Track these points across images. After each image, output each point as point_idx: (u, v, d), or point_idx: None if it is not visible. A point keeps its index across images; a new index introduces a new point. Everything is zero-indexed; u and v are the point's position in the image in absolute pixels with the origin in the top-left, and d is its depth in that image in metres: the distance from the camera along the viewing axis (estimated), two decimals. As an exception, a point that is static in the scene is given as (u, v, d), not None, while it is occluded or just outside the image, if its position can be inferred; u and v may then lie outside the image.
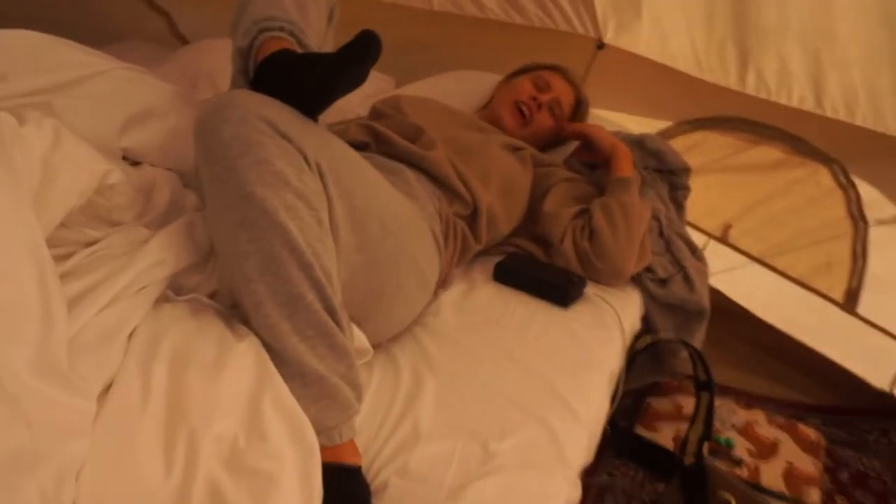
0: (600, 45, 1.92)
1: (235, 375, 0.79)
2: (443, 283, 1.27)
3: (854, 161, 1.67)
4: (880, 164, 1.62)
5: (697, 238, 1.81)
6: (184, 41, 2.41)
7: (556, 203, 1.46)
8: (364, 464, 0.88)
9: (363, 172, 1.01)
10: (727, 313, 1.79)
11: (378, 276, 1.01)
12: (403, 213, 1.09)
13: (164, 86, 1.19)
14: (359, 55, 0.89)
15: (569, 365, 1.13)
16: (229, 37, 1.08)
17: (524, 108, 1.58)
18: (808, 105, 1.64)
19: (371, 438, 0.92)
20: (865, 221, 1.67)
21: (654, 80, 1.87)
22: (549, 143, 1.67)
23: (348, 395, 0.86)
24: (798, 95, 1.65)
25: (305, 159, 0.86)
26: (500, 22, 2.02)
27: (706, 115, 1.84)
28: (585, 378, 1.12)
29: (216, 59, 1.81)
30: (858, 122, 1.58)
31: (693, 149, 1.85)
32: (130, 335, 0.81)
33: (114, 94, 1.10)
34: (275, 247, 0.82)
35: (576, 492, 0.94)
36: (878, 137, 1.58)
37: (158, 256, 0.89)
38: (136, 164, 1.13)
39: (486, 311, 1.23)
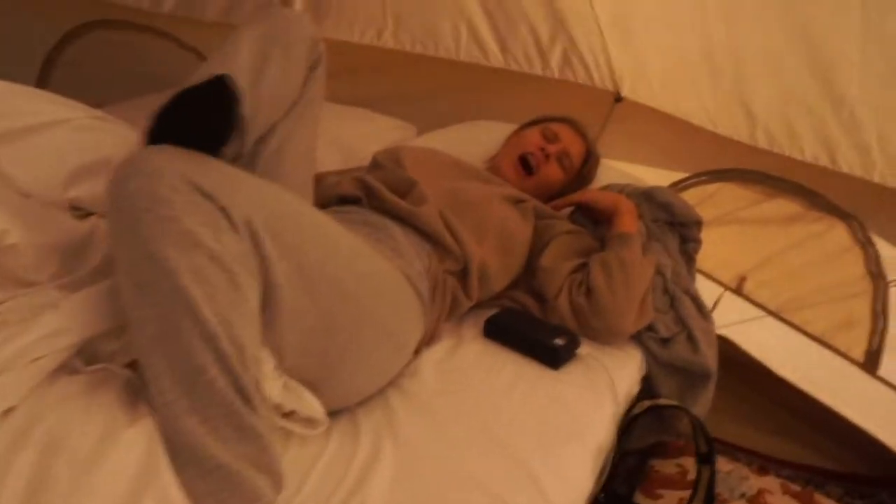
0: (618, 99, 1.89)
1: (115, 467, 0.69)
2: (429, 340, 1.19)
3: (872, 217, 1.58)
4: None
5: (712, 289, 1.74)
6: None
7: (554, 257, 1.38)
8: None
9: (318, 229, 0.93)
10: (743, 366, 1.69)
11: (336, 341, 0.92)
12: (373, 274, 1.01)
13: (130, 135, 1.12)
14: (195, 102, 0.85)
15: (549, 436, 1.03)
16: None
17: (531, 159, 1.53)
18: (823, 161, 1.57)
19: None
20: (885, 280, 1.57)
21: (670, 133, 1.83)
22: (558, 194, 1.60)
23: (257, 484, 0.76)
24: (811, 153, 1.59)
25: (228, 217, 0.77)
26: (522, 73, 2.01)
27: (722, 168, 1.79)
28: (565, 452, 1.02)
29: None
30: (876, 179, 1.51)
31: (708, 200, 1.79)
32: (6, 414, 0.72)
33: (68, 144, 1.04)
34: (175, 314, 0.73)
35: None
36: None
37: (61, 324, 0.80)
38: (89, 214, 1.06)
39: (470, 371, 1.15)
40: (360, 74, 2.24)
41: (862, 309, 1.60)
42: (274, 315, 0.83)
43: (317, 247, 0.89)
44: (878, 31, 1.33)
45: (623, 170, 1.82)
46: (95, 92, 2.05)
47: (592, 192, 1.57)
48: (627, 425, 1.23)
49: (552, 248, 1.40)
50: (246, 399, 0.76)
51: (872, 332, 1.59)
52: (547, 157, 1.55)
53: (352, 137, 1.96)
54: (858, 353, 1.60)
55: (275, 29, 1.02)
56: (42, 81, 2.45)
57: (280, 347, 0.86)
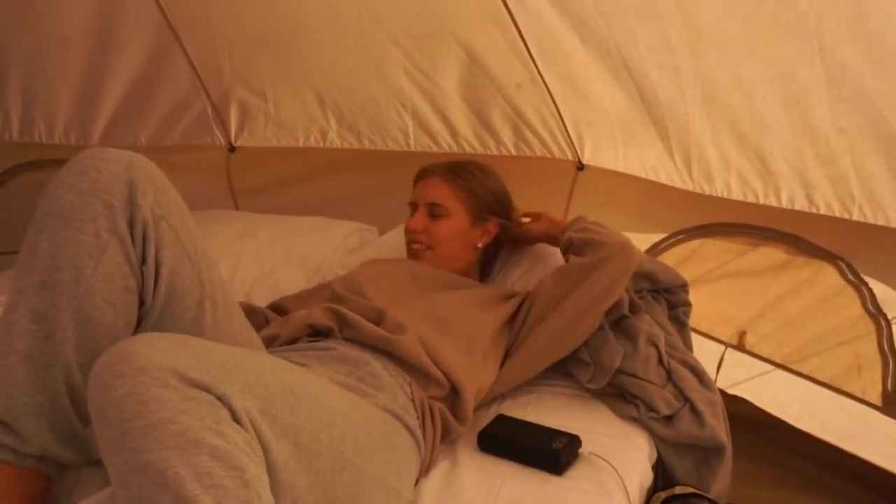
0: (580, 167, 1.96)
1: None
2: (425, 470, 1.19)
3: (858, 257, 1.62)
4: (887, 257, 1.58)
5: (713, 348, 1.80)
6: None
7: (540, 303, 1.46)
8: None
9: (308, 398, 0.90)
10: (760, 424, 1.74)
11: None
12: (367, 430, 1.01)
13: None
14: None
15: None
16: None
17: (416, 246, 1.61)
18: (800, 204, 1.61)
19: None
20: (886, 318, 1.59)
21: (640, 194, 1.89)
22: (495, 241, 1.68)
23: None
24: (787, 196, 1.62)
25: (230, 408, 0.75)
26: (477, 155, 2.07)
27: (700, 224, 1.83)
28: None
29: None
30: (856, 216, 1.54)
31: (691, 258, 1.84)
32: None
33: None
34: None
35: None
36: (880, 231, 1.54)
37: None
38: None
39: (470, 496, 1.14)
40: (314, 178, 2.34)
41: (868, 350, 1.62)
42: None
43: (311, 420, 0.88)
44: (835, 59, 1.39)
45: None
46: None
47: (522, 230, 1.72)
48: None
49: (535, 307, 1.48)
50: None
51: (885, 373, 1.61)
52: (422, 230, 1.60)
53: (311, 250, 2.00)
54: (875, 395, 1.62)
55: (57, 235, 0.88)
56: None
57: None
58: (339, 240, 2.05)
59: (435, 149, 2.14)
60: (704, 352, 1.77)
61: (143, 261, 0.92)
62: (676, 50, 1.56)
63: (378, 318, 1.31)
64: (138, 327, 0.95)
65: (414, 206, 1.65)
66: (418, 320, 1.33)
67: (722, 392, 1.62)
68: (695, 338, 1.74)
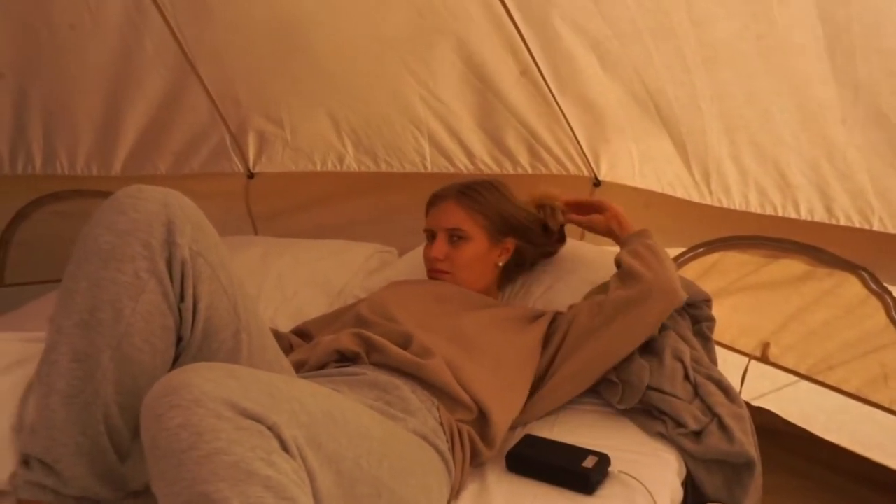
0: (597, 183, 1.98)
1: None
2: (455, 494, 1.19)
3: (881, 266, 1.61)
4: None
5: (736, 361, 1.80)
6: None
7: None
8: None
9: (348, 425, 0.92)
10: (788, 436, 1.75)
11: None
12: (402, 455, 1.02)
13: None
14: None
15: None
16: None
17: (437, 275, 1.59)
18: (819, 216, 1.61)
19: None
20: None
21: (657, 209, 1.88)
22: (514, 259, 1.66)
23: None
24: (806, 208, 1.62)
25: (279, 437, 0.76)
26: (493, 175, 2.08)
27: (718, 237, 1.83)
28: None
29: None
30: (876, 227, 1.54)
31: (711, 272, 1.84)
32: None
33: None
34: None
35: None
36: None
37: None
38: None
39: None
40: (332, 202, 2.35)
41: (894, 360, 1.61)
42: None
43: (352, 447, 0.89)
44: (849, 77, 1.39)
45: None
46: (52, 268, 2.11)
47: (588, 217, 1.67)
48: None
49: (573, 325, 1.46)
50: None
51: None
52: (443, 260, 1.58)
53: (332, 273, 1.99)
54: None
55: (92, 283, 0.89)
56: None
57: None
58: (359, 262, 2.04)
59: (452, 170, 2.14)
60: (729, 364, 1.78)
61: (182, 298, 0.92)
62: (692, 68, 1.56)
63: (405, 342, 1.31)
64: (176, 362, 0.96)
65: (430, 233, 1.63)
66: (445, 343, 1.33)
67: (747, 404, 1.59)
68: (718, 351, 1.73)
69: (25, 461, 0.91)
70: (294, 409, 0.81)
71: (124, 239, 0.88)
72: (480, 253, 1.60)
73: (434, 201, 1.65)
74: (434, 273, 1.60)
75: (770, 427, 1.70)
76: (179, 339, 0.95)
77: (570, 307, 1.53)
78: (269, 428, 0.76)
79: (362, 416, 0.98)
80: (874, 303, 1.63)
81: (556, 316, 1.52)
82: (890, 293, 1.61)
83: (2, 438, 0.95)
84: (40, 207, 2.60)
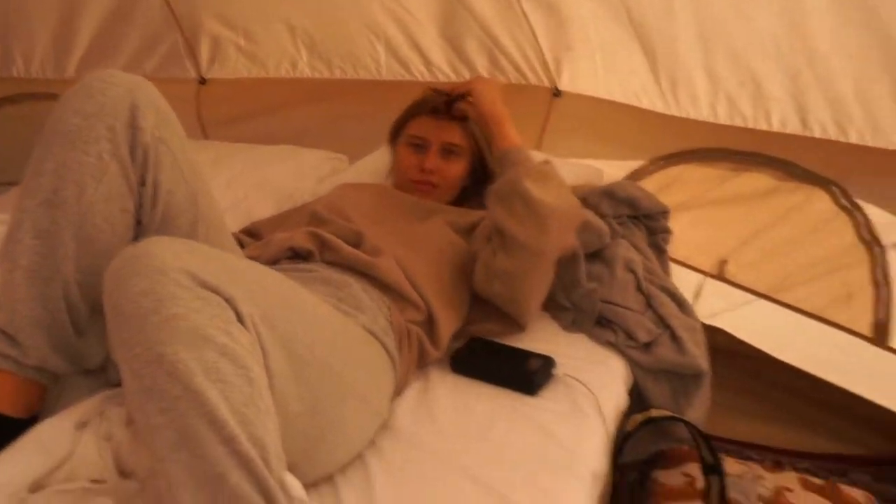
0: (556, 93, 1.81)
1: None
2: (399, 391, 1.12)
3: (854, 181, 1.49)
4: (885, 181, 1.45)
5: (692, 278, 1.65)
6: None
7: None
8: None
9: (303, 312, 0.90)
10: (740, 356, 1.59)
11: (317, 422, 0.89)
12: (352, 346, 0.99)
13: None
14: None
15: (536, 472, 0.95)
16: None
17: (420, 187, 1.48)
18: (793, 127, 1.48)
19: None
20: (881, 245, 1.47)
21: (619, 120, 1.75)
22: (482, 173, 1.52)
23: None
24: (779, 119, 1.50)
25: (236, 310, 0.75)
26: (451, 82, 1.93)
27: (682, 149, 1.69)
28: (556, 487, 0.93)
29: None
30: (853, 139, 1.41)
31: (672, 185, 1.70)
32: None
33: None
34: (190, 418, 0.68)
35: None
36: (878, 154, 1.41)
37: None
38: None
39: (443, 416, 1.06)
40: (284, 109, 2.18)
41: (860, 279, 1.49)
42: None
43: (304, 332, 0.88)
44: None
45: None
46: (4, 171, 2.07)
47: (482, 85, 1.41)
48: (621, 443, 1.15)
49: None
50: (272, 500, 0.71)
51: (877, 302, 1.48)
52: (432, 171, 1.47)
53: (283, 178, 1.88)
54: (864, 325, 1.49)
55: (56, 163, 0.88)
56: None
57: None
58: (310, 168, 1.93)
59: (407, 77, 1.97)
60: (682, 282, 1.63)
61: (143, 182, 0.93)
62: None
63: (357, 241, 1.28)
64: None
65: (421, 142, 1.49)
66: (396, 243, 1.29)
67: (701, 324, 1.53)
68: (673, 268, 1.63)
69: None
70: (252, 288, 0.81)
71: (90, 122, 0.88)
72: (464, 174, 1.53)
73: (430, 112, 1.51)
74: (418, 184, 1.50)
75: (722, 347, 1.57)
76: (139, 223, 0.95)
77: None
78: (227, 301, 0.75)
79: (317, 306, 0.97)
80: (843, 219, 1.51)
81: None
82: (860, 209, 1.50)
83: None
84: (-9, 111, 2.54)
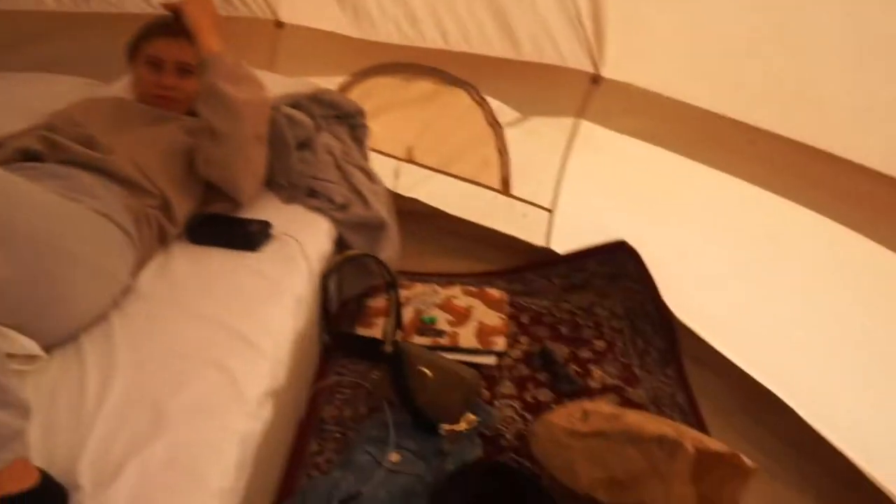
0: (279, 24, 1.89)
1: None
2: (142, 264, 1.15)
3: (480, 82, 1.75)
4: (499, 82, 1.73)
5: (391, 163, 1.90)
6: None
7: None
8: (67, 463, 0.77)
9: (20, 199, 0.88)
10: (429, 216, 1.89)
11: (40, 289, 0.88)
12: (72, 221, 0.97)
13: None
14: None
15: (253, 302, 1.07)
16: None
17: (160, 102, 1.38)
18: (439, 44, 1.69)
19: (71, 435, 0.81)
20: (500, 126, 1.75)
21: (327, 47, 1.89)
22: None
23: (4, 421, 0.71)
24: (430, 37, 1.69)
25: None
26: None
27: (369, 66, 1.88)
28: (267, 311, 1.07)
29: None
30: (475, 50, 1.65)
31: (370, 94, 1.88)
32: None
33: None
34: None
35: (254, 422, 0.90)
36: (495, 62, 1.66)
37: None
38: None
39: (180, 273, 1.13)
40: (41, 40, 2.03)
41: (491, 151, 1.78)
42: None
43: (8, 207, 0.83)
44: None
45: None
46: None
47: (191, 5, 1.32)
48: (332, 276, 1.31)
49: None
50: None
51: (502, 165, 1.79)
52: (173, 87, 1.37)
53: (36, 101, 1.66)
54: (496, 182, 1.81)
55: None
56: None
57: None
58: (63, 92, 1.71)
59: (149, 10, 1.92)
60: (385, 166, 1.87)
61: None
62: None
63: (88, 143, 1.20)
64: None
65: (157, 61, 1.38)
66: (130, 143, 1.23)
67: (401, 196, 1.76)
68: (377, 157, 1.82)
69: None
70: None
71: None
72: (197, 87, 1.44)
73: (161, 32, 1.40)
74: (161, 100, 1.39)
75: (418, 211, 1.82)
76: None
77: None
78: None
79: (33, 192, 0.91)
80: (477, 110, 1.77)
81: None
82: (487, 103, 1.75)
83: None
84: None
